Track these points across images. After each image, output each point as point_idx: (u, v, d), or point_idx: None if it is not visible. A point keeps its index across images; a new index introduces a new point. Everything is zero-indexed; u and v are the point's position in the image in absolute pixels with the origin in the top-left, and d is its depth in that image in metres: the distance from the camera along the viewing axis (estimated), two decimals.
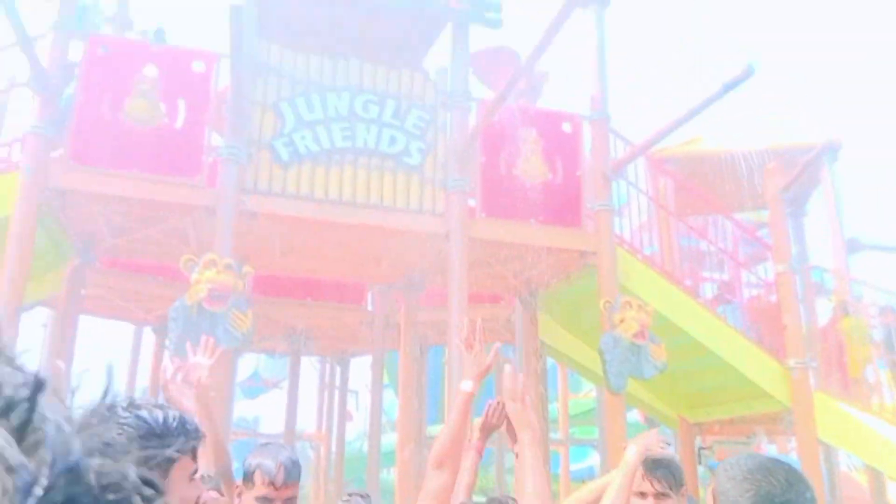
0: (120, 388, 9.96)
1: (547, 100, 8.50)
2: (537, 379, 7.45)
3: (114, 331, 10.20)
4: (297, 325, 9.57)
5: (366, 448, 10.85)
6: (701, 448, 8.00)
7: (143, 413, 1.26)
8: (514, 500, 2.36)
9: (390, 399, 13.61)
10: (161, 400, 1.55)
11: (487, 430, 2.37)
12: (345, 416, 11.61)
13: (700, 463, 7.87)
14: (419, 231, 5.98)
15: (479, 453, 2.41)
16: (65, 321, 6.64)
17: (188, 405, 2.04)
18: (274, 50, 5.86)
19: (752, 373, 6.62)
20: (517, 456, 1.99)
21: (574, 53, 6.65)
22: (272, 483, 2.05)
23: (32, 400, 0.40)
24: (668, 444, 2.31)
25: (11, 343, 0.44)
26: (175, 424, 1.29)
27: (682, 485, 2.20)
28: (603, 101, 6.40)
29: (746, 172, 7.07)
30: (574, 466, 12.21)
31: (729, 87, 4.77)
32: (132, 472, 0.43)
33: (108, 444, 0.45)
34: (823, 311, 8.07)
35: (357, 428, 16.50)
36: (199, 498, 1.38)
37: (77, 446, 0.41)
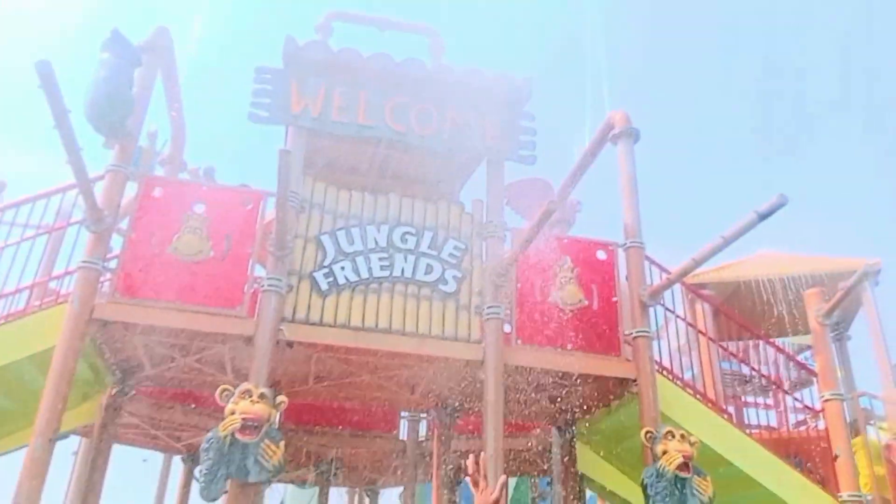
0: None
1: (582, 226, 8.65)
2: None
3: (142, 458, 10.09)
4: (327, 455, 9.40)
5: None
6: None
7: None
8: None
9: None
10: None
11: None
12: None
13: None
14: (454, 358, 5.97)
15: None
16: (98, 450, 6.60)
17: None
18: (318, 187, 6.12)
19: None
20: None
21: (609, 181, 6.83)
22: None
23: None
24: None
25: None
26: None
27: None
28: (637, 229, 6.49)
29: (785, 297, 7.02)
30: None
31: (763, 217, 4.83)
32: None
33: None
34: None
35: None
36: None
37: None
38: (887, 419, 7.39)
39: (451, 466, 7.98)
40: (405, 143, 6.31)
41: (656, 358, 6.52)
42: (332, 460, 9.62)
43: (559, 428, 7.53)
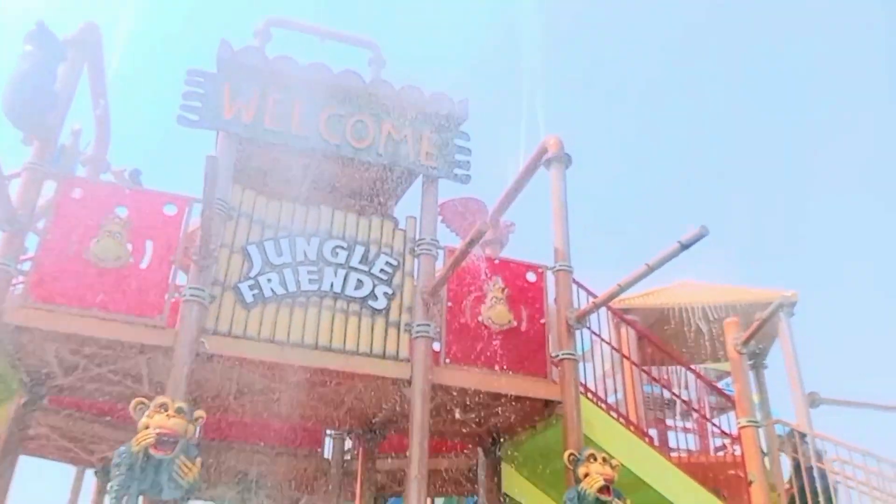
0: None
1: (513, 248, 8.74)
2: None
3: (54, 472, 9.61)
4: (248, 472, 9.14)
5: None
6: None
7: None
8: None
9: None
10: None
11: None
12: None
13: None
14: (382, 376, 5.90)
15: None
16: (2, 462, 6.24)
17: None
18: (247, 196, 5.99)
19: None
20: None
21: (540, 204, 6.93)
22: None
23: None
24: None
25: None
26: None
27: None
28: (566, 252, 6.60)
29: (706, 325, 7.22)
30: None
31: (685, 246, 4.97)
32: None
33: None
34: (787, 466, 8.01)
35: None
36: None
37: None
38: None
39: (375, 486, 7.87)
40: (339, 155, 6.25)
41: (582, 381, 6.61)
42: (253, 478, 9.36)
43: (485, 448, 7.53)
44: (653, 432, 8.72)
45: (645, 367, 7.68)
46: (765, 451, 7.41)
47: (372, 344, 5.86)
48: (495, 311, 6.33)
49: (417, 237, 6.34)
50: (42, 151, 5.43)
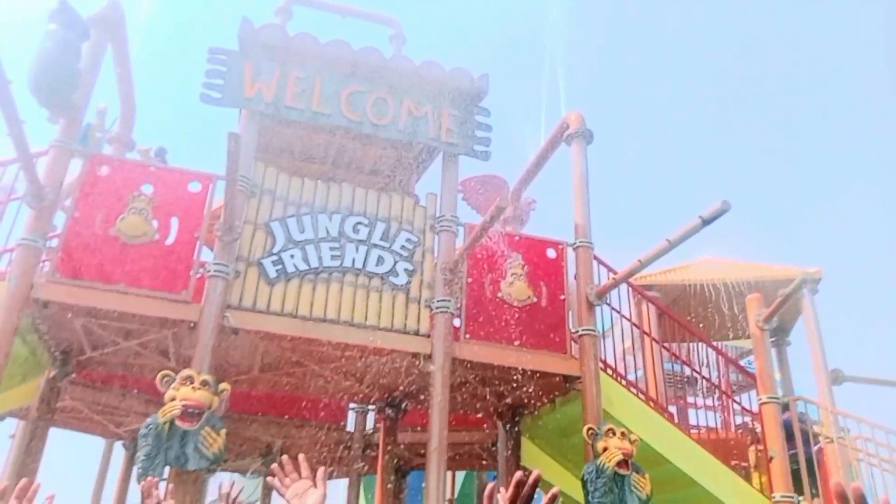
0: None
1: (535, 224, 8.73)
2: None
3: (84, 444, 9.86)
4: (272, 444, 9.31)
5: None
6: None
7: None
8: None
9: None
10: None
11: None
12: None
13: None
14: (403, 350, 5.97)
15: None
16: (34, 433, 6.42)
17: None
18: (270, 173, 6.05)
19: None
20: None
21: (561, 181, 6.91)
22: None
23: None
24: None
25: None
26: None
27: None
28: (587, 229, 6.58)
29: (728, 302, 7.18)
30: None
31: (707, 222, 4.94)
32: None
33: None
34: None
35: None
36: None
37: None
38: (821, 423, 7.63)
39: (396, 459, 7.99)
40: (360, 132, 6.27)
41: (602, 357, 6.63)
42: (277, 449, 9.53)
43: (504, 423, 7.59)
44: (673, 409, 8.72)
45: (665, 344, 7.67)
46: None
47: (393, 319, 5.92)
48: (515, 288, 6.35)
49: (438, 214, 6.37)
50: (68, 130, 5.51)
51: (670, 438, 6.54)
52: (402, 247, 6.18)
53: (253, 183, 5.86)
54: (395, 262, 6.10)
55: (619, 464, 5.56)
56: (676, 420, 7.98)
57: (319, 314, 5.74)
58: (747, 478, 6.94)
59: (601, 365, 6.43)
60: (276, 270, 5.74)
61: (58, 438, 8.03)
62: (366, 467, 8.94)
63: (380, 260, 6.06)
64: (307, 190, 6.14)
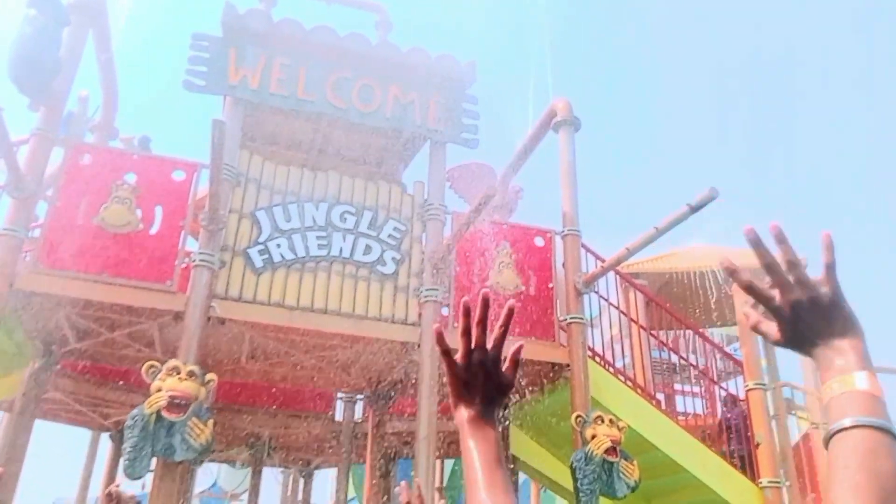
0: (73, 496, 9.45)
1: (522, 213, 8.71)
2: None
3: (70, 436, 9.79)
4: (261, 434, 9.28)
5: None
6: None
7: None
8: None
9: None
10: None
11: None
12: None
13: None
14: (391, 340, 5.95)
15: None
16: (18, 426, 6.36)
17: None
18: (255, 162, 5.98)
19: (726, 492, 6.48)
20: None
21: (548, 169, 6.89)
22: None
23: None
24: None
25: None
26: None
27: None
28: (574, 217, 6.58)
29: (715, 289, 7.20)
30: None
31: (695, 209, 4.94)
32: None
33: None
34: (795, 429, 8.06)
35: None
36: None
37: None
38: (807, 409, 7.70)
39: (385, 447, 7.98)
40: (346, 119, 6.22)
41: (590, 345, 6.64)
42: (265, 440, 9.50)
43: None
44: (661, 396, 8.77)
45: (653, 332, 7.69)
46: (772, 413, 7.44)
47: (381, 308, 5.90)
48: (503, 276, 6.33)
49: (425, 202, 6.33)
50: (49, 118, 5.42)
51: (658, 425, 6.56)
52: (390, 235, 6.15)
53: (238, 171, 5.80)
54: (383, 251, 6.06)
55: (607, 451, 5.58)
56: (664, 407, 8.03)
57: (307, 304, 5.70)
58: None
59: (589, 353, 6.44)
60: (263, 260, 5.69)
61: (44, 430, 7.97)
62: (354, 456, 8.93)
63: (367, 249, 6.03)
64: (293, 178, 6.08)
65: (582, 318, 6.35)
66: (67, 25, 5.03)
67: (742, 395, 7.16)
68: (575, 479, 5.65)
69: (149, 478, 5.36)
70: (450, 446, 9.09)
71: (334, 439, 9.06)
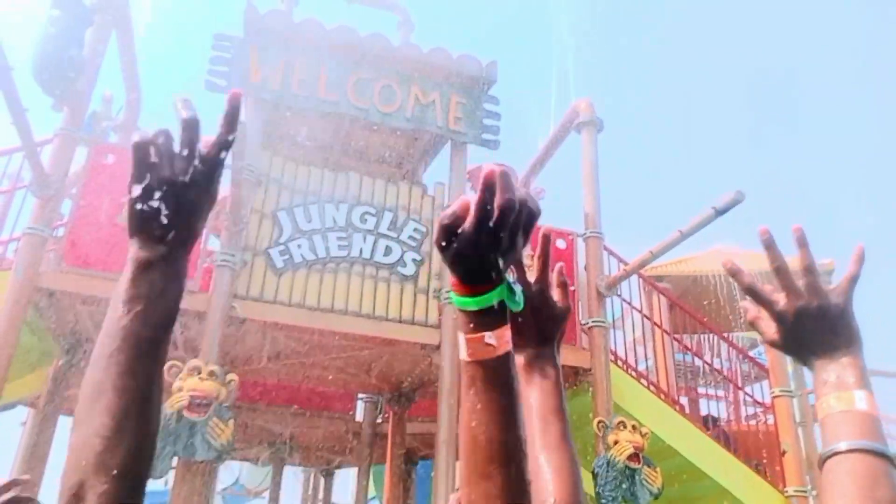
0: None
1: (543, 214, 8.60)
2: None
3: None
4: (282, 434, 9.30)
5: None
6: None
7: None
8: None
9: None
10: None
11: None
12: None
13: None
14: (411, 341, 5.92)
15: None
16: (44, 422, 6.43)
17: None
18: (276, 162, 5.98)
19: (751, 500, 6.36)
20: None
21: (570, 171, 6.82)
22: None
23: None
24: None
25: None
26: None
27: None
28: (596, 219, 6.49)
29: (740, 293, 7.05)
30: None
31: (720, 212, 4.85)
32: None
33: None
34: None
35: None
36: None
37: None
38: None
39: (405, 449, 7.96)
40: (367, 120, 6.19)
41: (612, 349, 6.55)
42: (286, 440, 9.53)
43: None
44: (684, 401, 8.64)
45: (676, 336, 7.58)
46: (798, 420, 7.30)
47: (401, 310, 5.87)
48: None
49: (446, 203, 6.29)
50: (73, 117, 5.46)
51: (682, 431, 6.47)
52: (410, 237, 6.11)
53: (259, 172, 5.80)
54: (403, 252, 6.03)
55: (629, 457, 5.50)
56: (688, 412, 7.91)
57: (327, 304, 5.69)
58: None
59: (612, 357, 6.36)
60: (284, 260, 5.69)
61: (68, 426, 8.05)
62: (375, 457, 8.92)
63: (387, 250, 6.00)
64: (314, 179, 6.07)
65: (604, 322, 6.27)
66: (91, 26, 5.06)
67: (768, 401, 7.03)
68: (596, 486, 5.57)
69: (172, 475, 5.39)
70: None
71: (355, 439, 9.05)
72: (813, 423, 7.68)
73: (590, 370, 6.11)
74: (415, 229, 6.14)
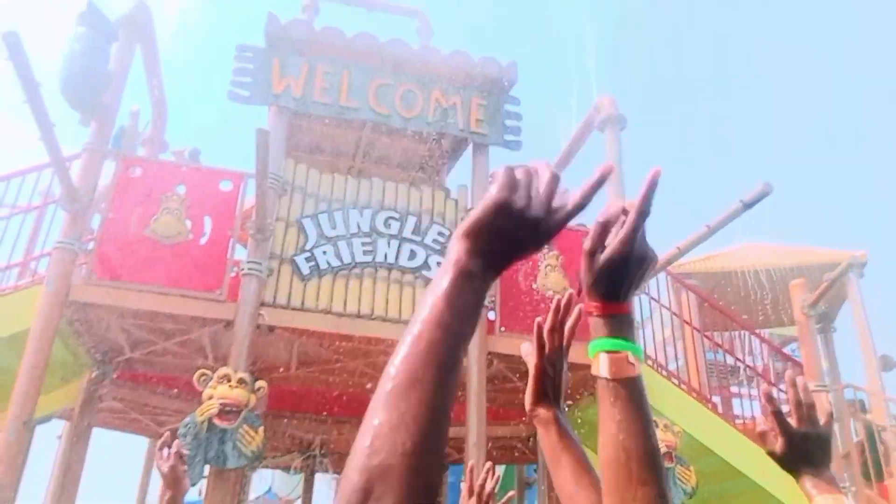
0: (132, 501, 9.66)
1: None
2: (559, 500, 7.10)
3: (128, 443, 10.03)
4: (313, 441, 9.33)
5: None
6: None
7: None
8: None
9: None
10: None
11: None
12: None
13: None
14: None
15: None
16: (77, 434, 6.53)
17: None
18: (300, 170, 6.02)
19: (787, 497, 6.25)
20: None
21: (592, 170, 6.76)
22: None
23: None
24: None
25: None
26: None
27: None
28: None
29: (771, 289, 6.97)
30: None
31: (748, 206, 4.78)
32: None
33: None
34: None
35: None
36: None
37: None
38: (871, 411, 7.39)
39: None
40: (389, 126, 6.21)
41: (642, 348, 6.48)
42: (317, 447, 9.55)
43: None
44: (717, 399, 8.53)
45: (707, 333, 7.48)
46: (834, 416, 7.16)
47: None
48: (550, 279, 6.24)
49: (469, 206, 6.28)
50: (100, 132, 5.55)
51: (715, 429, 6.37)
52: (434, 240, 6.11)
53: (284, 180, 5.85)
54: (428, 256, 6.03)
55: (662, 456, 5.44)
56: (720, 410, 7.80)
57: (353, 310, 5.70)
58: None
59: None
60: (310, 267, 5.72)
61: (102, 438, 8.17)
62: None
63: (412, 254, 6.01)
64: (337, 185, 6.10)
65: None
66: (116, 41, 5.14)
67: None
68: None
69: (203, 484, 5.43)
70: (499, 452, 9.02)
71: None
72: (850, 419, 7.54)
73: None
74: (439, 233, 6.14)
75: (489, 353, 5.81)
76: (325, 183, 6.07)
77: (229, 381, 4.91)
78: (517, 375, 6.62)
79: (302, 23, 6.21)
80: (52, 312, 5.05)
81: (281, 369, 6.90)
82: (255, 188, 5.28)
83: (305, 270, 5.70)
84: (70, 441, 6.73)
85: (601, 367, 0.87)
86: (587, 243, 0.87)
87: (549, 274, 6.25)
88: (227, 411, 4.82)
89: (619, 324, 0.88)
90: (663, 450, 5.47)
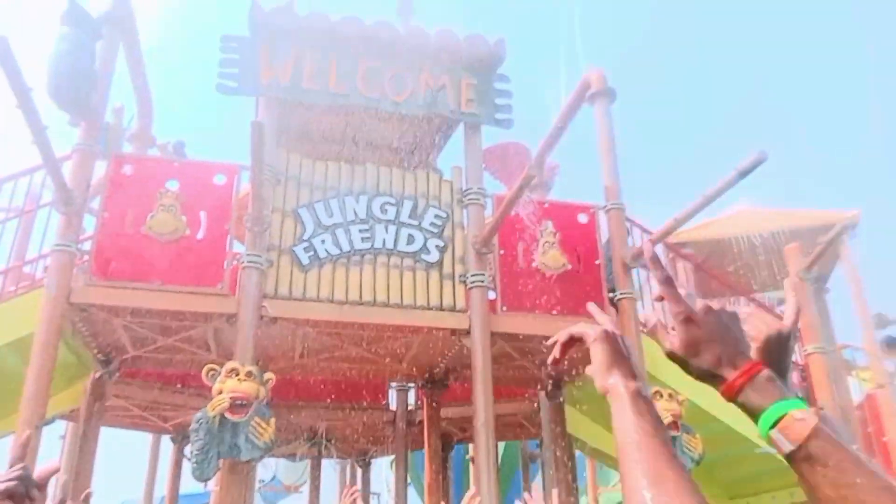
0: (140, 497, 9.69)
1: (561, 190, 8.59)
2: (566, 471, 7.20)
3: (133, 440, 10.04)
4: (318, 428, 9.39)
5: None
6: None
7: None
8: None
9: (413, 499, 13.17)
10: None
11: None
12: None
13: None
14: (441, 327, 5.93)
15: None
16: (85, 434, 6.53)
17: None
18: (293, 160, 5.99)
19: None
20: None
21: (582, 144, 6.77)
22: None
23: None
24: None
25: None
26: None
27: None
28: (617, 190, 6.46)
29: (765, 253, 7.03)
30: None
31: (743, 174, 4.80)
32: None
33: None
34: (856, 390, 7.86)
35: None
36: None
37: None
38: (870, 368, 7.50)
39: (440, 434, 8.01)
40: (379, 110, 6.18)
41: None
42: (322, 433, 9.62)
43: (546, 391, 7.56)
44: None
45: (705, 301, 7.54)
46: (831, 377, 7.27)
47: (428, 297, 5.88)
48: (549, 256, 6.26)
49: (464, 187, 6.28)
50: (90, 132, 5.49)
51: (717, 396, 6.43)
52: (432, 223, 6.11)
53: (277, 170, 5.81)
54: (426, 240, 6.04)
55: (668, 425, 5.51)
56: None
57: (355, 297, 5.71)
58: None
59: (642, 327, 6.34)
60: (309, 257, 5.71)
61: (111, 436, 8.18)
62: (410, 444, 8.98)
63: (410, 238, 6.01)
64: (332, 173, 6.08)
65: (632, 294, 6.25)
66: (100, 39, 5.07)
67: (800, 360, 7.00)
68: None
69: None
70: (503, 429, 9.10)
71: (389, 428, 9.12)
72: (847, 378, 7.66)
73: None
74: (435, 215, 6.14)
75: (491, 333, 5.84)
76: (319, 171, 6.04)
77: (238, 374, 4.92)
78: (520, 353, 6.67)
79: (286, 10, 6.13)
80: (54, 316, 5.03)
81: (286, 359, 6.92)
82: (249, 180, 5.25)
83: (305, 260, 5.69)
84: (76, 441, 6.74)
85: (781, 446, 0.85)
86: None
87: (548, 251, 6.27)
88: (238, 405, 4.84)
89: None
90: (668, 419, 5.54)
